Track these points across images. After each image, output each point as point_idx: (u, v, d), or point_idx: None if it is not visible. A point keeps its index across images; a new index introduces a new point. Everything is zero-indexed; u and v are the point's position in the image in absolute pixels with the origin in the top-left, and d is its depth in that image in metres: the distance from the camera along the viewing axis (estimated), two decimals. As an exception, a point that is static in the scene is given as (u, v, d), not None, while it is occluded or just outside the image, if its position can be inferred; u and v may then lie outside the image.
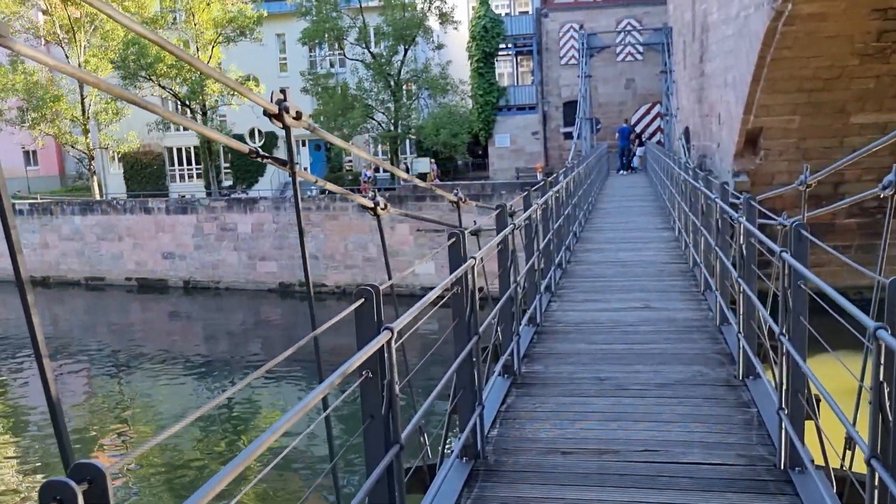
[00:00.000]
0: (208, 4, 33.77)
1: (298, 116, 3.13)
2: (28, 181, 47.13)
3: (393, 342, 2.89)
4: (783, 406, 4.04)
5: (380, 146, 38.99)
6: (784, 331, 3.96)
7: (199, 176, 42.44)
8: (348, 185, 36.46)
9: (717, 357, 6.46)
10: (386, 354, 2.89)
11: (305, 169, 42.14)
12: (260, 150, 3.37)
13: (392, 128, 33.74)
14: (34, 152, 48.24)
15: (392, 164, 35.94)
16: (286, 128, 3.12)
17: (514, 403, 5.59)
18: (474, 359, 4.53)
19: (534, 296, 7.59)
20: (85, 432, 16.02)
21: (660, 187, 19.50)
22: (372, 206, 4.56)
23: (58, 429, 1.84)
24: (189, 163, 43.93)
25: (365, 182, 36.27)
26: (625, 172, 30.64)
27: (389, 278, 4.70)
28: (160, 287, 29.81)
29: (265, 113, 3.08)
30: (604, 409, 5.38)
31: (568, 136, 35.18)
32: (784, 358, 4.00)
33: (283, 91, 3.10)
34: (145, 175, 43.18)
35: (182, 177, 44.11)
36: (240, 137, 41.21)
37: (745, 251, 5.55)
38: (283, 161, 3.34)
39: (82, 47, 36.66)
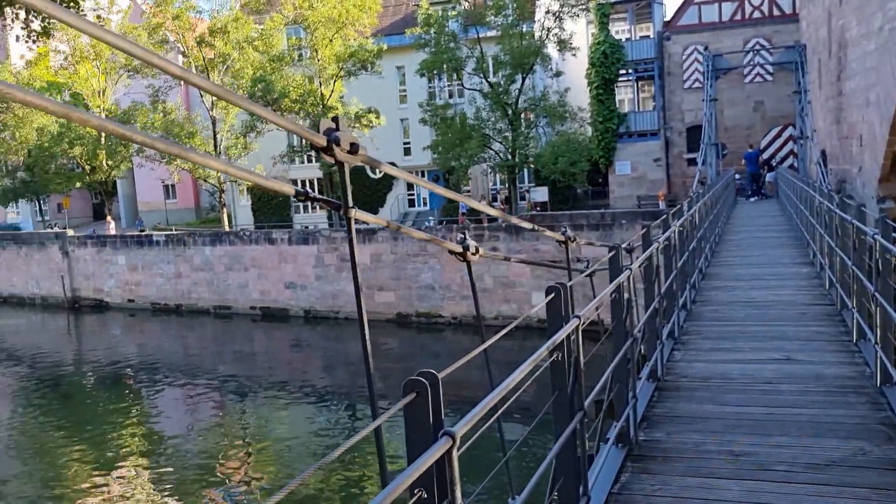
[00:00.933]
0: (331, 41, 34.71)
1: (354, 150, 2.59)
2: (167, 213, 49.82)
3: (455, 451, 2.16)
4: None
5: (497, 175, 38.79)
6: None
7: (321, 207, 43.48)
8: (468, 213, 36.41)
9: (882, 429, 5.33)
10: (447, 468, 2.18)
11: (424, 199, 42.47)
12: (310, 192, 2.89)
13: (510, 157, 33.46)
14: (172, 186, 50.98)
15: (510, 193, 35.61)
16: (339, 163, 2.59)
17: (630, 483, 4.75)
18: (578, 441, 3.80)
19: (654, 344, 6.73)
20: (209, 458, 16.32)
21: (795, 216, 18.13)
22: (460, 250, 3.95)
23: None
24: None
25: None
26: (754, 199, 29.04)
27: (481, 333, 4.13)
28: (282, 316, 30.55)
29: (312, 147, 2.57)
30: (740, 496, 4.44)
31: (692, 162, 33.79)
32: None
33: (335, 119, 2.56)
34: (271, 207, 44.72)
35: (306, 208, 45.40)
36: (360, 168, 42.07)
37: None
38: (336, 204, 2.79)
39: (215, 86, 38.49)
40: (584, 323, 3.76)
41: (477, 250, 4.14)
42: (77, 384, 24.54)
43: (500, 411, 3.18)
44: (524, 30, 33.12)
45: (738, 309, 9.85)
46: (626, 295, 5.26)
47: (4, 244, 40.60)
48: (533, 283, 25.90)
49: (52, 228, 44.42)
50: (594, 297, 4.67)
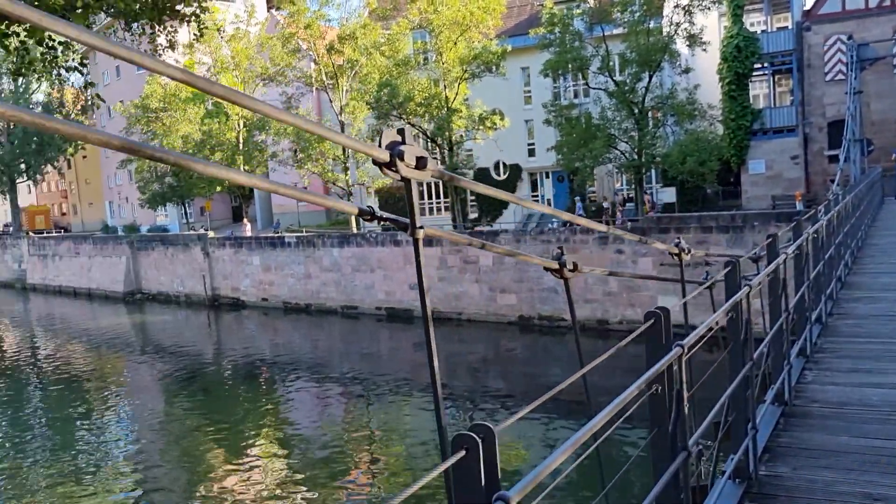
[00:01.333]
0: (455, 44, 35.01)
1: (422, 164, 2.28)
2: (299, 216, 51.77)
3: None
4: None
5: (623, 176, 37.98)
6: None
7: (446, 209, 44.00)
8: (591, 216, 35.85)
9: None
10: None
11: (548, 201, 42.11)
12: (376, 211, 2.63)
13: (636, 157, 32.64)
14: (304, 189, 52.92)
15: (636, 194, 34.75)
16: (405, 180, 2.29)
17: None
18: (682, 484, 3.33)
19: (781, 364, 6.09)
20: (335, 454, 16.81)
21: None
22: (556, 267, 3.54)
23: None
24: (437, 196, 45.77)
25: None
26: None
27: (579, 356, 3.86)
28: (406, 317, 31.09)
29: (375, 162, 2.27)
30: None
31: (833, 159, 31.81)
32: None
33: (400, 131, 2.28)
34: (398, 209, 45.38)
35: (431, 210, 46.03)
36: (485, 170, 42.25)
37: None
38: (402, 223, 2.49)
39: (344, 91, 39.73)
40: (688, 351, 3.37)
41: (575, 266, 3.76)
42: (216, 378, 25.92)
43: (598, 442, 2.99)
44: (651, 26, 32.20)
45: (882, 324, 8.88)
46: (744, 315, 4.85)
47: (154, 245, 43.47)
48: (659, 286, 25.11)
49: (194, 230, 47.17)
50: (713, 311, 4.40)
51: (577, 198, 37.98)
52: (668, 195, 34.39)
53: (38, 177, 69.43)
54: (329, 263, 34.03)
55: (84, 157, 69.92)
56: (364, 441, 18.19)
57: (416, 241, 2.38)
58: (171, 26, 12.22)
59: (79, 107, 70.43)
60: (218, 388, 24.31)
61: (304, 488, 14.86)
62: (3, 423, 21.51)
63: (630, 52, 31.80)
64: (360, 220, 44.31)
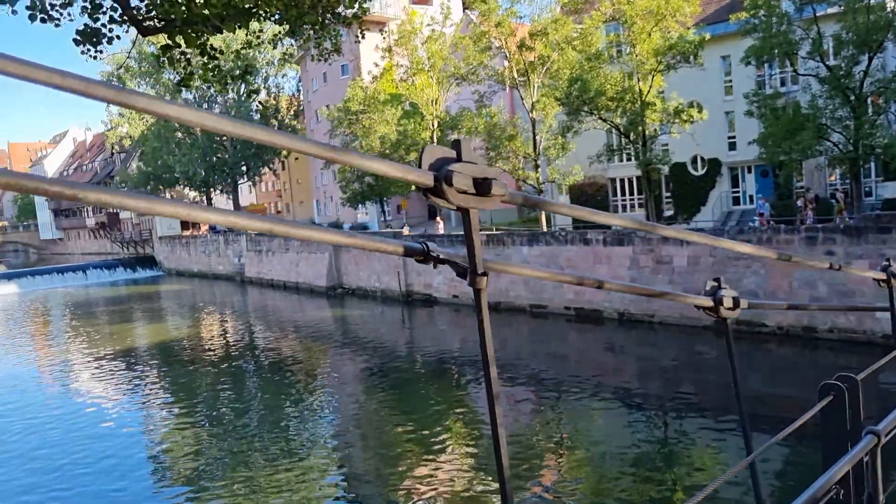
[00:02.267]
0: (649, 35, 33.74)
1: (483, 189, 1.51)
2: (491, 214, 52.33)
3: None
4: None
5: (837, 170, 34.75)
6: None
7: (641, 206, 42.59)
8: (789, 215, 33.24)
9: None
10: None
11: (750, 197, 39.53)
12: (433, 249, 1.56)
13: (851, 148, 29.69)
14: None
15: (852, 189, 31.70)
16: (461, 210, 1.52)
17: None
18: None
19: None
20: (520, 455, 16.75)
21: None
22: (710, 304, 2.44)
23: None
24: (631, 193, 44.44)
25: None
26: None
27: (747, 444, 3.05)
28: (595, 317, 30.42)
29: (418, 188, 1.57)
30: None
31: None
32: None
33: (455, 144, 1.51)
34: (590, 206, 44.61)
35: (625, 207, 44.78)
36: (681, 165, 40.43)
37: None
38: (462, 268, 1.60)
39: (535, 88, 39.55)
40: (887, 438, 2.28)
41: (736, 304, 2.53)
42: (408, 373, 26.73)
43: None
44: (872, 2, 29.11)
45: None
46: None
47: (352, 242, 45.70)
48: (877, 292, 22.57)
49: (391, 228, 49.09)
50: None
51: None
52: (891, 190, 31.03)
53: (257, 178, 75.62)
54: (518, 262, 34.03)
55: (296, 158, 75.13)
56: (550, 443, 17.96)
57: (477, 293, 1.60)
58: (335, 30, 12.51)
59: (292, 111, 75.92)
60: (410, 384, 25.05)
61: (488, 485, 14.91)
62: (220, 404, 23.51)
63: (846, 33, 28.95)
64: (552, 217, 44.13)
